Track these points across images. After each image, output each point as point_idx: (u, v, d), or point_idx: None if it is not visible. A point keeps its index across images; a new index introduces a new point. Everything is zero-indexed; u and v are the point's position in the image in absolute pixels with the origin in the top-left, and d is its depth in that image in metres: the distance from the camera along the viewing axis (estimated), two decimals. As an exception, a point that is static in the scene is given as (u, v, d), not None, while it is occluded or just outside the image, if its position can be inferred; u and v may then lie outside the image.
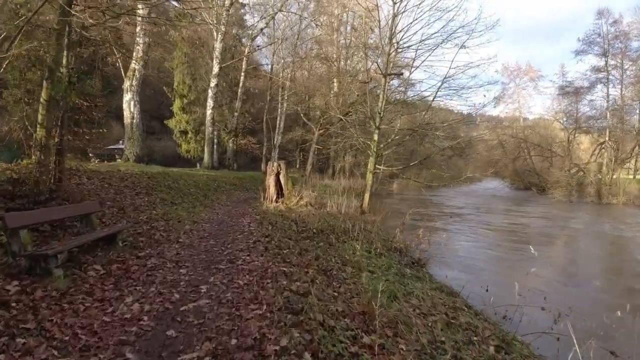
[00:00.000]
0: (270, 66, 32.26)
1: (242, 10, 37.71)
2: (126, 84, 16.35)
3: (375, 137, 17.11)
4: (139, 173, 12.13)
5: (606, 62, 31.75)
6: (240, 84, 25.78)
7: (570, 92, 33.77)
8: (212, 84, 21.64)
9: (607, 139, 30.62)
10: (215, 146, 27.15)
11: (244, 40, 38.27)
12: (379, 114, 17.06)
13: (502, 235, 15.24)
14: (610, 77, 31.80)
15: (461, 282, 7.78)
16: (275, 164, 14.38)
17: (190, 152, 38.61)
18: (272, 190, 14.41)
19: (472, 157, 43.38)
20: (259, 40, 35.26)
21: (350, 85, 27.94)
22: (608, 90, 31.97)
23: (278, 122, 32.74)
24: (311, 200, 14.13)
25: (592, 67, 33.24)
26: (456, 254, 11.12)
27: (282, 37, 29.48)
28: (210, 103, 21.60)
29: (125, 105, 16.20)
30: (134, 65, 16.34)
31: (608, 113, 31.29)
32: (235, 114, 25.40)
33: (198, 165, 26.06)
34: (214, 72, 21.75)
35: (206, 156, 21.73)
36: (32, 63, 25.15)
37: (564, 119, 35.38)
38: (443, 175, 39.33)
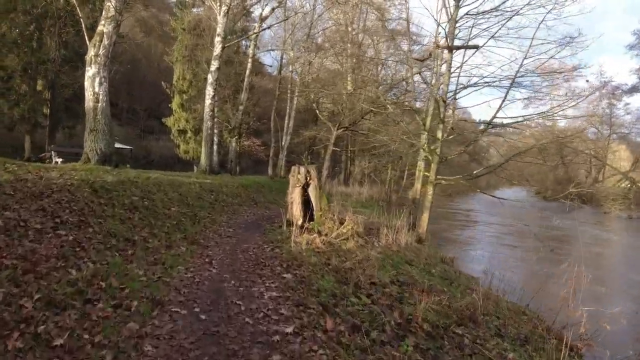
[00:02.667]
0: (279, 59, 26.70)
1: (249, 2, 32.32)
2: (90, 52, 10.75)
3: (439, 133, 11.62)
4: (77, 183, 6.55)
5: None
6: (247, 72, 20.23)
7: (625, 91, 28.48)
8: (213, 67, 16.10)
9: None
10: (216, 147, 21.56)
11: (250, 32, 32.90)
12: (443, 101, 11.56)
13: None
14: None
15: None
16: (303, 170, 8.84)
17: (189, 153, 32.94)
18: (297, 210, 8.89)
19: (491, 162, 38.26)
20: (267, 35, 29.80)
21: (376, 76, 22.52)
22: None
23: (287, 121, 27.22)
24: (357, 227, 8.61)
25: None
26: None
27: (295, 20, 23.98)
28: (209, 92, 16.04)
29: (87, 83, 10.60)
30: (101, 27, 10.76)
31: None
32: (240, 107, 19.86)
33: (195, 168, 20.51)
34: (215, 53, 16.21)
35: (203, 157, 16.14)
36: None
37: (599, 124, 30.17)
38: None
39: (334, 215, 8.77)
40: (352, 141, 32.89)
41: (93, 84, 10.60)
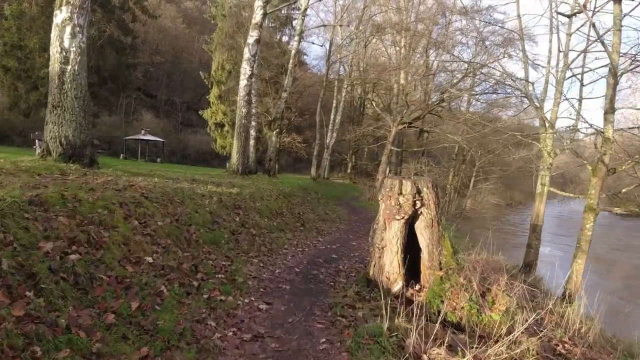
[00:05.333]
0: (328, 46, 22.05)
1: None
2: (61, -10, 6.58)
3: (609, 129, 6.58)
4: None
5: None
6: (293, 52, 15.74)
7: None
8: (251, 40, 11.76)
9: None
10: (253, 141, 17.12)
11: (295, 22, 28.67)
12: (614, 76, 6.54)
13: None
14: None
15: None
16: (408, 186, 4.18)
17: (226, 148, 29.11)
18: (394, 262, 4.26)
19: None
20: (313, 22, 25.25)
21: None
22: None
23: (333, 116, 22.69)
24: (526, 313, 3.88)
25: None
26: None
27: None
28: (245, 70, 11.72)
29: (53, 34, 6.49)
30: (79, -49, 6.61)
31: None
32: (284, 94, 15.43)
33: (227, 165, 16.32)
34: (254, 21, 11.89)
35: (234, 154, 11.82)
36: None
37: None
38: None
39: (470, 281, 4.09)
40: (401, 140, 28.01)
41: (61, 36, 6.42)
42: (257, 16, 11.94)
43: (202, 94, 34.55)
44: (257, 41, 12.00)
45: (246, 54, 11.92)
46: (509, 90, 12.49)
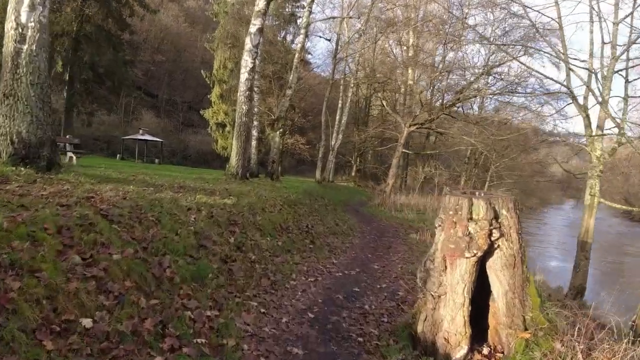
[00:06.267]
0: (335, 38, 20.67)
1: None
2: (18, -49, 5.21)
3: None
4: None
5: None
6: (299, 47, 14.31)
7: None
8: (253, 29, 10.37)
9: None
10: (255, 142, 15.63)
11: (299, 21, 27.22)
12: None
13: None
14: None
15: None
16: (482, 206, 2.81)
17: (227, 149, 27.72)
18: (459, 318, 2.85)
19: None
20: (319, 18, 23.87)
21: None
22: None
23: (338, 116, 21.29)
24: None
25: None
26: None
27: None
28: (247, 62, 10.33)
29: (10, 8, 5.21)
30: None
31: None
32: (288, 91, 14.02)
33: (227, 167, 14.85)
34: (257, 9, 10.50)
35: (234, 156, 10.43)
36: None
37: None
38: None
39: (574, 349, 2.69)
40: (408, 142, 26.59)
41: (18, 9, 5.07)
42: (261, 3, 10.54)
43: (204, 93, 33.17)
44: (260, 30, 10.60)
45: (248, 44, 10.52)
46: (528, 89, 11.06)
